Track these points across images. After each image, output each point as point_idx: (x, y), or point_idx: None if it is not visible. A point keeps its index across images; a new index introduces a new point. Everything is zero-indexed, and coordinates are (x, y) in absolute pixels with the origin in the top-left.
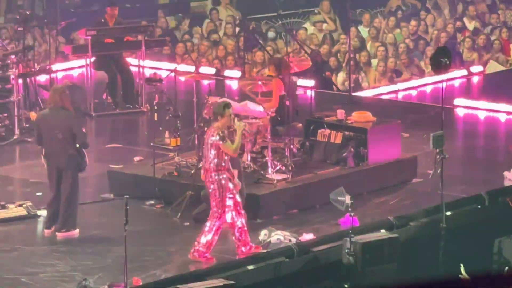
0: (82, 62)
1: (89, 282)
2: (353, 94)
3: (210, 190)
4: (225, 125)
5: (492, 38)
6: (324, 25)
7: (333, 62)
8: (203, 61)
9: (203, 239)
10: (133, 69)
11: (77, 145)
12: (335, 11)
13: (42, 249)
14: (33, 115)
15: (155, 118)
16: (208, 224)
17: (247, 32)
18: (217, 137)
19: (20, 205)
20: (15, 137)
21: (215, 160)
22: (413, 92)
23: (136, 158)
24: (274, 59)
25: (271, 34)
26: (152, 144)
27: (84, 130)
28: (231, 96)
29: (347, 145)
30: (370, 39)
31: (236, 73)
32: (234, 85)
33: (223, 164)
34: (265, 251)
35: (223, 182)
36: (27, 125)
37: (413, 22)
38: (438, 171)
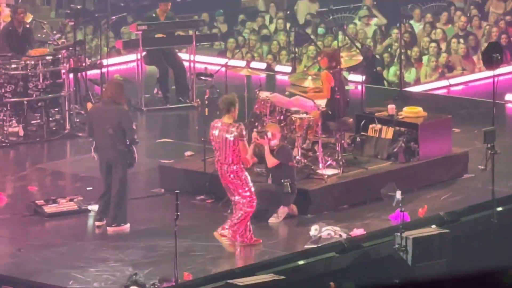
0: (133, 57)
1: (140, 277)
2: (404, 89)
3: (231, 181)
4: (235, 118)
5: None
6: (375, 20)
7: (384, 57)
8: (254, 56)
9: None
10: (185, 64)
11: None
12: (385, 5)
13: (93, 243)
14: (90, 105)
15: (206, 113)
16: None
17: (299, 27)
18: (236, 133)
19: (71, 200)
20: (66, 131)
21: (233, 154)
22: (465, 88)
23: (187, 153)
24: (328, 51)
25: (321, 30)
26: (202, 139)
27: (134, 127)
28: (281, 91)
29: (398, 140)
30: (422, 34)
31: (287, 68)
32: (285, 79)
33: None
34: (315, 246)
35: (239, 172)
36: (78, 120)
37: (463, 18)
38: (489, 166)
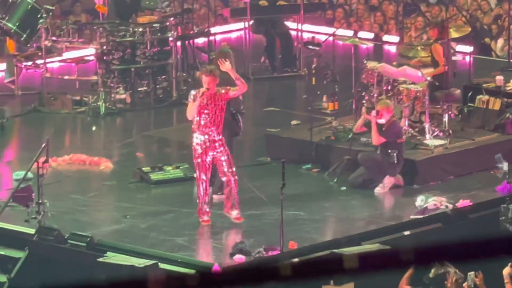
0: (240, 25)
1: (245, 245)
2: None
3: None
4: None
5: None
6: None
7: (492, 28)
8: (362, 26)
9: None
10: (292, 33)
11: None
12: None
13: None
14: (198, 73)
15: (313, 82)
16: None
17: None
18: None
19: (177, 167)
20: (173, 99)
21: None
22: None
23: (293, 122)
24: (437, 23)
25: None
26: (309, 108)
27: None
28: (389, 61)
29: (506, 112)
30: None
31: (395, 38)
32: (392, 50)
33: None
34: (421, 216)
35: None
36: (185, 88)
37: None
38: None
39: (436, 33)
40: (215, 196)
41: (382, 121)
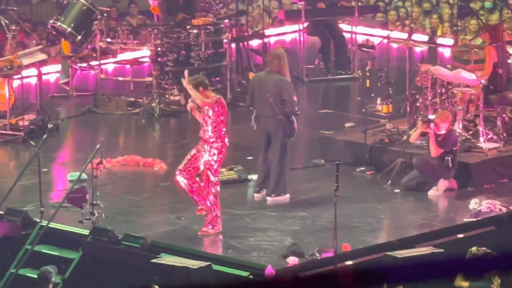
0: (295, 27)
1: (298, 247)
2: None
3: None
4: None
5: None
6: None
7: None
8: (416, 28)
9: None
10: (346, 35)
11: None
12: None
13: (252, 213)
14: (251, 75)
15: (367, 85)
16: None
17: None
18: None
19: (231, 169)
20: (227, 100)
21: None
22: None
23: (347, 124)
24: (490, 26)
25: (488, 4)
26: (363, 110)
27: (295, 99)
28: (443, 64)
29: None
30: None
31: (449, 41)
32: (446, 52)
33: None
34: (474, 219)
35: None
36: (239, 89)
37: None
38: None
39: (488, 36)
40: (256, 195)
41: (441, 132)
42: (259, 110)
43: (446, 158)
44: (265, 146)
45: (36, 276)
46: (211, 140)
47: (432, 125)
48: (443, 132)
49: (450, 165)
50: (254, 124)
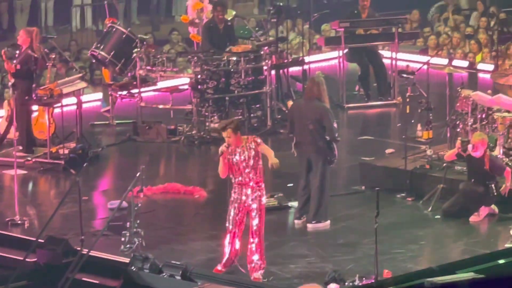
0: (334, 54)
1: (339, 274)
2: None
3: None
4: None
5: None
6: None
7: None
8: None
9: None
10: (386, 61)
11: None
12: None
13: (293, 239)
14: (290, 103)
15: (407, 111)
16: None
17: (501, 25)
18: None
19: (272, 196)
20: (267, 128)
21: None
22: None
23: (388, 151)
24: None
25: None
26: (404, 136)
27: (335, 125)
28: (483, 90)
29: None
30: None
31: (489, 66)
32: (487, 78)
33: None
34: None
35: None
36: (279, 116)
37: None
38: None
39: None
40: (297, 221)
41: (477, 154)
42: (299, 137)
43: (490, 185)
44: (306, 172)
45: None
46: (259, 183)
47: (470, 146)
48: (478, 154)
49: (495, 193)
50: (294, 151)
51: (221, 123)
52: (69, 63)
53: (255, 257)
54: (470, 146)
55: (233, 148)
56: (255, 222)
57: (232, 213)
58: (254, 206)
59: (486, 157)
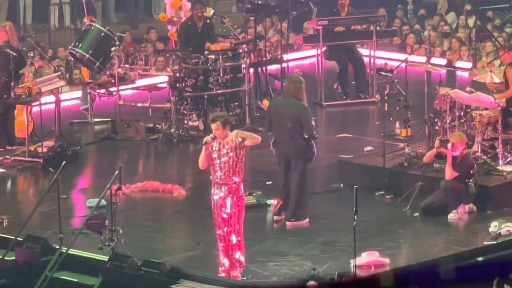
0: (313, 52)
1: (318, 272)
2: None
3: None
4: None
5: None
6: None
7: None
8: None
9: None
10: (364, 59)
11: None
12: None
13: (272, 238)
14: (265, 103)
15: (386, 109)
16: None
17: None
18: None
19: (250, 194)
20: (246, 126)
21: None
22: None
23: (366, 148)
24: (510, 46)
25: (509, 29)
26: (382, 134)
27: (313, 123)
28: (461, 87)
29: None
30: None
31: (467, 64)
32: (465, 76)
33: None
34: (494, 242)
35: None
36: (258, 114)
37: None
38: None
39: (509, 57)
40: (275, 217)
41: (456, 153)
42: (278, 135)
43: (470, 184)
44: (285, 170)
45: None
46: (236, 181)
47: (449, 145)
48: (457, 153)
49: (475, 191)
50: (273, 149)
51: (212, 115)
52: (49, 62)
53: (236, 255)
54: (449, 145)
55: (217, 144)
56: (233, 220)
57: (216, 216)
58: (232, 203)
59: (461, 154)
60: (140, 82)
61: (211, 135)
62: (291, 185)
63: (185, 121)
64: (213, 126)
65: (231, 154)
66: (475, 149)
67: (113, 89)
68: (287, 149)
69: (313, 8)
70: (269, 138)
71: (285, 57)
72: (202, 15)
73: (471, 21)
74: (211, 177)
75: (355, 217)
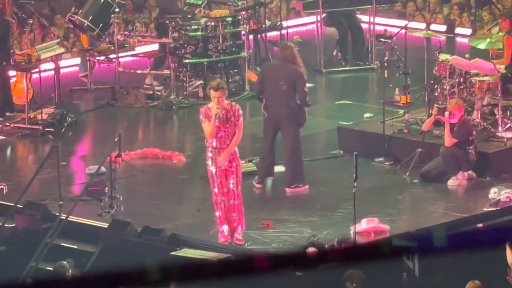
0: (312, 18)
1: (318, 238)
2: None
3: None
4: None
5: None
6: None
7: None
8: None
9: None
10: (364, 26)
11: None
12: None
13: (271, 204)
14: (249, 74)
15: (385, 75)
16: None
17: None
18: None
19: (250, 161)
20: (245, 92)
21: None
22: None
23: (366, 115)
24: (509, 13)
25: None
26: (382, 101)
27: (306, 89)
28: (462, 54)
29: None
30: None
31: (467, 31)
32: (465, 42)
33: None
34: (494, 208)
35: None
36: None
37: None
38: None
39: (508, 24)
40: (258, 185)
41: (454, 120)
42: (270, 99)
43: (470, 151)
44: (272, 135)
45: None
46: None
47: (446, 113)
48: (456, 120)
49: (475, 159)
50: (265, 113)
51: (212, 82)
52: (48, 29)
53: (234, 214)
54: (447, 113)
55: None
56: (232, 184)
57: (216, 183)
58: (231, 168)
59: (459, 120)
60: (139, 49)
61: (216, 105)
62: (285, 152)
63: (185, 88)
64: (216, 94)
65: (232, 119)
66: (475, 116)
67: (112, 56)
68: (279, 113)
69: None
70: (260, 101)
71: (284, 23)
72: None
73: None
74: (207, 144)
75: (355, 184)
